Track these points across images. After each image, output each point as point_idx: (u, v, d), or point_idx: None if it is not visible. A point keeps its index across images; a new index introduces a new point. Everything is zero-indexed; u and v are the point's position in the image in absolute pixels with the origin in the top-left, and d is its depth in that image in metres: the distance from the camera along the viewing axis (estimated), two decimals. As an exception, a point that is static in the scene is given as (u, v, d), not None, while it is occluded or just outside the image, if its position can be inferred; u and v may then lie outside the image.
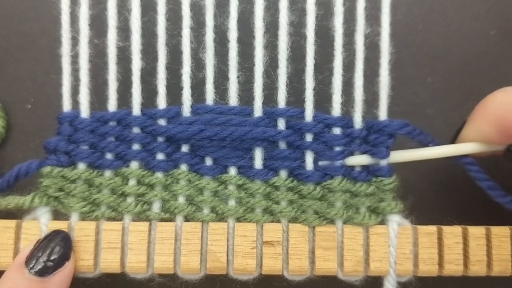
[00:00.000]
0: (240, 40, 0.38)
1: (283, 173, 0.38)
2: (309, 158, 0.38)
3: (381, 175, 0.37)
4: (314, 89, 0.38)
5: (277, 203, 0.38)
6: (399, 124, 0.37)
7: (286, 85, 0.38)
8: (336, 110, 0.38)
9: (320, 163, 0.38)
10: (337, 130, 0.38)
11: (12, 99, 0.43)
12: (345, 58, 0.37)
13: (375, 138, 0.37)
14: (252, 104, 0.38)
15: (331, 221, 0.37)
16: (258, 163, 0.38)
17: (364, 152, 0.38)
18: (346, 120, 0.38)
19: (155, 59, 0.38)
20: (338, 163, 0.37)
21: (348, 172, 0.38)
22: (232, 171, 0.38)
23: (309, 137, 0.38)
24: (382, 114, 0.37)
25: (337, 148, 0.37)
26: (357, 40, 0.37)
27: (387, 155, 0.37)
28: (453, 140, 0.38)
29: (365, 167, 0.38)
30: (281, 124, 0.38)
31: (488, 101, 0.35)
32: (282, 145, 0.38)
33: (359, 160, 0.38)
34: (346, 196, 0.37)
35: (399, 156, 0.37)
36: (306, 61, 0.38)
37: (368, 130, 0.37)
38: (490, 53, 0.43)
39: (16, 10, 0.43)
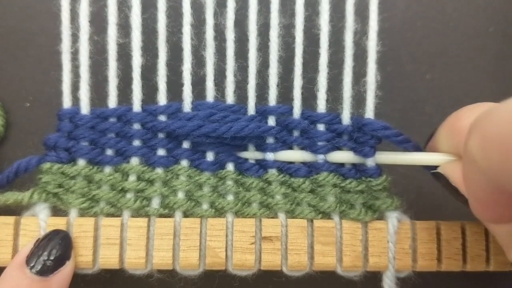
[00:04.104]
0: (239, 39, 0.38)
1: (273, 170, 0.38)
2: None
3: (368, 175, 0.37)
4: (304, 87, 0.38)
5: (272, 197, 0.38)
6: (379, 125, 0.36)
7: (278, 85, 0.38)
8: (321, 107, 0.38)
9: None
10: (321, 126, 0.38)
11: (11, 98, 0.43)
12: (336, 56, 0.38)
13: (359, 136, 0.37)
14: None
15: (328, 215, 0.38)
16: (250, 159, 0.39)
17: (351, 149, 0.38)
18: (331, 116, 0.38)
19: (155, 56, 0.38)
20: (320, 158, 0.38)
21: (335, 168, 0.38)
22: (230, 166, 0.38)
23: (296, 133, 0.38)
24: (368, 112, 0.38)
25: (320, 143, 0.38)
26: (346, 38, 0.38)
27: (371, 155, 0.37)
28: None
29: (354, 165, 0.38)
30: (272, 121, 0.38)
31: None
32: (271, 141, 0.39)
33: (341, 156, 0.38)
34: (337, 191, 0.38)
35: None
36: (294, 60, 0.38)
37: (354, 128, 0.38)
38: (488, 50, 0.43)
39: (15, 8, 0.43)
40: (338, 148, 0.38)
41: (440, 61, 0.43)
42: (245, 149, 0.39)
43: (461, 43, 0.44)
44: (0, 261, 0.35)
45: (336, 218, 0.37)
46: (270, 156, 0.38)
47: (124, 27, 0.38)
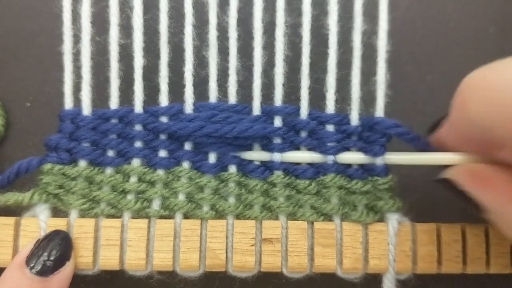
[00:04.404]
0: (244, 37, 0.38)
1: (279, 171, 0.38)
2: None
3: (376, 174, 0.37)
4: (311, 88, 0.38)
5: (275, 199, 0.38)
6: (391, 123, 0.37)
7: (284, 84, 0.38)
8: (330, 107, 0.38)
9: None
10: (330, 127, 0.38)
11: (11, 98, 0.42)
12: (343, 56, 0.38)
13: (369, 135, 0.37)
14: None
15: (329, 217, 0.38)
16: (255, 161, 0.38)
17: (359, 149, 0.38)
18: (340, 117, 0.38)
19: (157, 56, 0.38)
20: (330, 159, 0.38)
21: (343, 169, 0.38)
22: (233, 168, 0.38)
23: (303, 134, 0.38)
24: (378, 111, 0.38)
25: (329, 144, 0.38)
26: (354, 38, 0.38)
27: (381, 153, 0.37)
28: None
29: (361, 165, 0.38)
30: (278, 121, 0.38)
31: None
32: (278, 141, 0.38)
33: (351, 157, 0.38)
34: (342, 193, 0.38)
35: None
36: (301, 60, 0.38)
37: (363, 127, 0.38)
38: (489, 50, 0.43)
39: (15, 8, 0.43)
40: (347, 149, 0.38)
41: (440, 62, 0.43)
42: (250, 149, 0.38)
43: (461, 43, 0.43)
44: (0, 262, 0.36)
45: (337, 220, 0.37)
46: (277, 157, 0.38)
47: (126, 28, 0.38)
